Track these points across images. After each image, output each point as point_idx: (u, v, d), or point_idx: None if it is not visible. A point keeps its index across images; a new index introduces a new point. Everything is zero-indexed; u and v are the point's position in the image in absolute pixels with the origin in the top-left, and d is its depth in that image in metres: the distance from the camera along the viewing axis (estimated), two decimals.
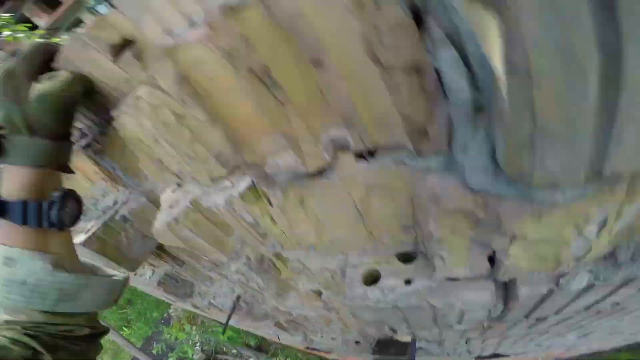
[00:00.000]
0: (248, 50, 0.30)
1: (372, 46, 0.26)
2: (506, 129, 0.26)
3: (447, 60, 0.25)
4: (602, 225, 0.32)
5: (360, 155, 0.36)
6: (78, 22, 6.76)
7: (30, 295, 0.43)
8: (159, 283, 0.89)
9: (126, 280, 0.55)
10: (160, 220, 0.55)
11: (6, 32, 2.66)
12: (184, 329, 3.86)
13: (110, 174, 0.65)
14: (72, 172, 0.55)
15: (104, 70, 0.44)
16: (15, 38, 2.70)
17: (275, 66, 0.30)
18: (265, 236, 0.55)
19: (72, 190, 0.51)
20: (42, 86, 0.47)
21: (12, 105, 0.46)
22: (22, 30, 2.71)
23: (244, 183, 0.43)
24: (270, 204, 0.45)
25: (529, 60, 0.20)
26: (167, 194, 0.58)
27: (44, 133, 0.47)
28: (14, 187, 0.45)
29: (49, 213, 0.46)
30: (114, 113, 0.47)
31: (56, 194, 0.48)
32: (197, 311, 1.12)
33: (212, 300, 1.05)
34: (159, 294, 0.97)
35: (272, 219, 0.48)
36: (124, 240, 0.70)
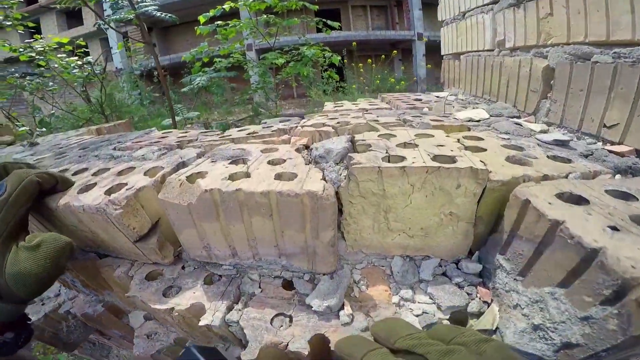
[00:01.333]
0: None
1: None
2: None
3: None
4: None
5: None
6: None
7: None
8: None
9: None
10: (140, 348, 0.58)
11: None
12: None
13: (66, 283, 0.71)
14: (29, 319, 0.52)
15: None
16: None
17: None
18: None
19: (25, 326, 0.48)
20: (22, 262, 0.42)
21: None
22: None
23: None
24: None
25: None
26: (139, 319, 0.62)
27: (13, 301, 0.43)
28: None
29: None
30: None
31: (9, 335, 0.46)
32: None
33: None
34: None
35: None
36: (64, 329, 0.75)
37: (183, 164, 0.56)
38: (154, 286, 0.51)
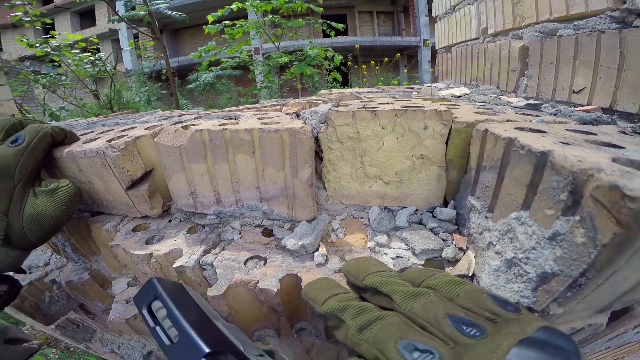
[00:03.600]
0: None
1: None
2: None
3: None
4: None
5: None
6: None
7: None
8: (57, 326, 0.85)
9: (38, 348, 0.54)
10: (117, 313, 0.59)
11: None
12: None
13: (56, 248, 0.72)
14: (24, 272, 0.55)
15: None
16: None
17: None
18: None
19: (15, 280, 0.51)
20: (41, 205, 0.45)
21: None
22: None
23: None
24: None
25: None
26: (122, 285, 0.63)
27: (20, 247, 0.45)
28: None
29: None
30: None
31: (2, 288, 0.49)
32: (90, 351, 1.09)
33: (115, 349, 1.01)
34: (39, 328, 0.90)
35: None
36: (46, 299, 0.74)
37: (178, 122, 0.62)
38: (138, 236, 0.54)
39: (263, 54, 8.08)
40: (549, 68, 0.71)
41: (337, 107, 0.63)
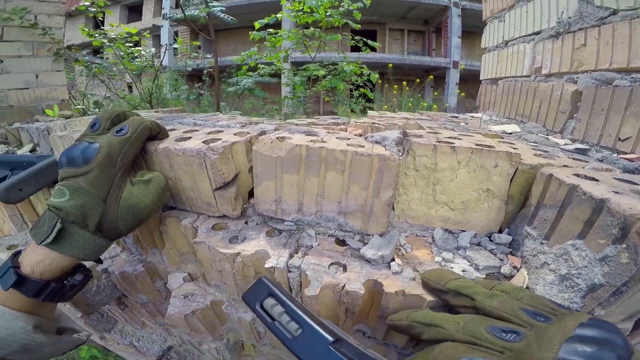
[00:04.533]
0: None
1: None
2: None
3: None
4: None
5: None
6: None
7: None
8: (82, 315, 0.84)
9: (86, 340, 0.56)
10: (175, 308, 0.64)
11: None
12: None
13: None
14: (101, 261, 0.58)
15: None
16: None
17: None
18: None
19: (89, 270, 0.53)
20: (137, 194, 0.47)
21: (95, 200, 0.44)
22: None
23: None
24: None
25: None
26: (178, 280, 0.68)
27: (108, 236, 0.46)
28: (44, 269, 0.44)
29: (63, 293, 0.48)
30: None
31: (78, 277, 0.50)
32: (102, 342, 1.09)
33: (135, 342, 1.04)
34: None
35: None
36: (93, 288, 0.74)
37: (264, 133, 0.68)
38: (220, 235, 0.58)
39: (291, 63, 8.26)
40: (599, 114, 0.75)
41: (404, 134, 0.69)
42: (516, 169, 0.53)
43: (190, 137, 0.63)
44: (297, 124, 0.83)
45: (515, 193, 0.55)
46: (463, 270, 0.50)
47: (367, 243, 0.55)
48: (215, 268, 0.59)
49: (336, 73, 3.16)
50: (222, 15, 2.78)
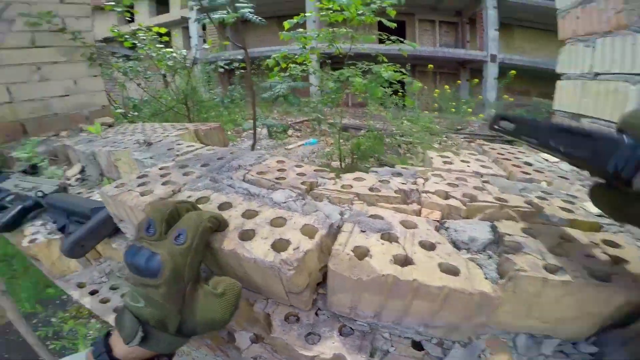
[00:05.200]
0: None
1: None
2: None
3: None
4: None
5: None
6: None
7: None
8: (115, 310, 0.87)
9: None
10: None
11: None
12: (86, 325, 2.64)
13: None
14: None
15: None
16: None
17: None
18: None
19: (173, 354, 0.54)
20: (213, 309, 0.47)
21: (172, 310, 0.46)
22: None
23: None
24: None
25: None
26: (245, 340, 0.65)
27: (188, 335, 0.49)
28: (134, 357, 0.49)
29: None
30: None
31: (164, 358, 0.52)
32: None
33: None
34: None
35: None
36: None
37: (332, 226, 0.58)
38: (295, 330, 0.55)
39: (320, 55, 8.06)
40: None
41: (495, 230, 0.58)
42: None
43: (253, 232, 0.58)
44: (357, 194, 0.72)
45: (618, 314, 0.48)
46: None
47: (447, 349, 0.52)
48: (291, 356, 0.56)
49: (372, 78, 2.98)
50: (252, 17, 2.67)
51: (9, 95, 1.95)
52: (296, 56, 3.44)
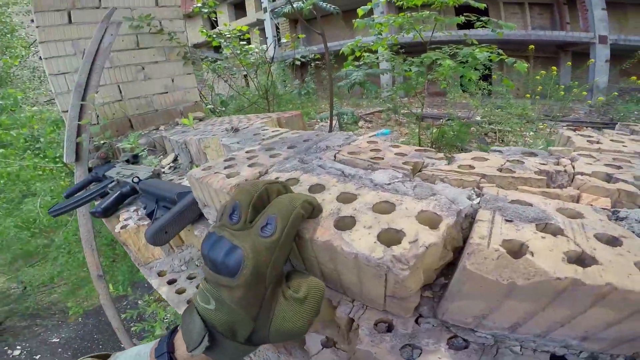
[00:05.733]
0: None
1: None
2: None
3: None
4: None
5: None
6: None
7: None
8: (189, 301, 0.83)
9: None
10: None
11: None
12: (165, 308, 2.75)
13: None
14: None
15: None
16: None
17: None
18: None
19: None
20: (292, 318, 0.39)
21: (243, 319, 0.39)
22: None
23: None
24: None
25: None
26: (316, 343, 0.55)
27: (257, 344, 0.42)
28: None
29: None
30: None
31: None
32: None
33: None
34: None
35: None
36: None
37: (459, 214, 0.45)
38: (387, 341, 0.43)
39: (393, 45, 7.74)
40: None
41: None
42: None
43: (352, 218, 0.46)
44: (484, 175, 0.56)
45: None
46: None
47: None
48: None
49: (463, 60, 2.63)
50: (326, 5, 2.60)
51: (120, 94, 2.22)
52: (371, 44, 3.27)
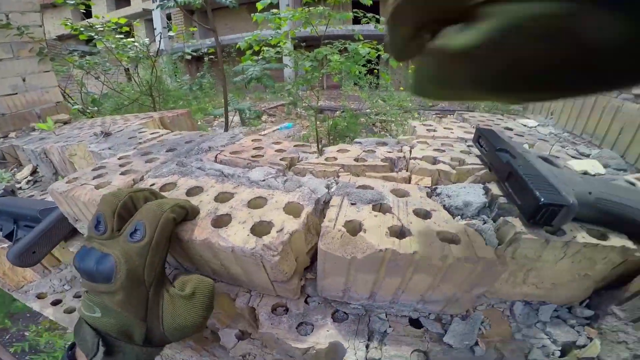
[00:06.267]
0: None
1: None
2: None
3: None
4: None
5: None
6: None
7: None
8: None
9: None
10: None
11: None
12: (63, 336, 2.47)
13: None
14: None
15: None
16: None
17: None
18: None
19: None
20: (182, 314, 0.41)
21: (132, 320, 0.40)
22: None
23: None
24: None
25: None
26: (231, 337, 0.59)
27: (159, 345, 0.43)
28: None
29: None
30: None
31: None
32: None
33: None
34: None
35: None
36: None
37: (318, 201, 0.53)
38: (284, 322, 0.50)
39: (292, 39, 7.85)
40: None
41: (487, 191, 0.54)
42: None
43: (228, 216, 0.50)
44: (343, 166, 0.66)
45: (611, 275, 0.48)
46: (543, 346, 0.48)
47: (445, 324, 0.50)
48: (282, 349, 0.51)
49: (349, 56, 2.87)
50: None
51: None
52: (270, 39, 3.28)
